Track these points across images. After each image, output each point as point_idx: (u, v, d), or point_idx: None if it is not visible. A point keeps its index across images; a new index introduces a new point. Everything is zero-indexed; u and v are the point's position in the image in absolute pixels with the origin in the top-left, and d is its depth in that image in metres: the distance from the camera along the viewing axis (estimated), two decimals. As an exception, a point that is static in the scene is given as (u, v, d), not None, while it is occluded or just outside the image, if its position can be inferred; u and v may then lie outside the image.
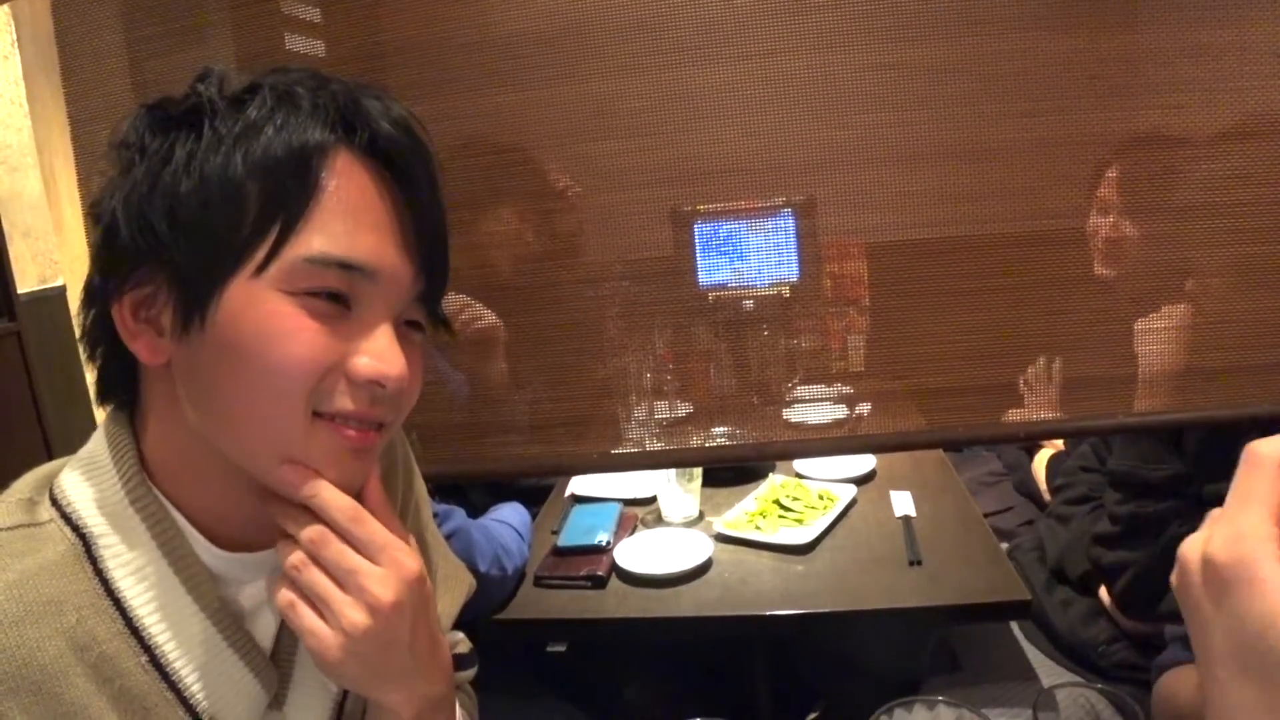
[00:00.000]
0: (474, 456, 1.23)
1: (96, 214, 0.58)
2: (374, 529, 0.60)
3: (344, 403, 0.58)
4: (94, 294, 0.60)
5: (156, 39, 1.12)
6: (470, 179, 1.14)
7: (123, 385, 0.62)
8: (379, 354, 0.58)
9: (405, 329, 0.62)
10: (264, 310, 0.55)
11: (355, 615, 0.58)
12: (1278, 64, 0.96)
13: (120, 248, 0.56)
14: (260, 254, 0.55)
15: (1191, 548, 0.47)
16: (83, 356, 0.63)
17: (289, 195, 0.55)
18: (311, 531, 0.59)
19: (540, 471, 1.48)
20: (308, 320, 0.56)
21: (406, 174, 0.60)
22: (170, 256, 0.55)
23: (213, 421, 0.58)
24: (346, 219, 0.57)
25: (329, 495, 0.59)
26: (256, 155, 0.55)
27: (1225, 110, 1.00)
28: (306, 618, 0.59)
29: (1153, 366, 1.09)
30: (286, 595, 0.60)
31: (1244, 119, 1.01)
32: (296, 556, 0.59)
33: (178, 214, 0.55)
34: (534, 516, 1.56)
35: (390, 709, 0.63)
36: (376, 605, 0.58)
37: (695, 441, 1.20)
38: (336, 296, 0.57)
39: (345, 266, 0.56)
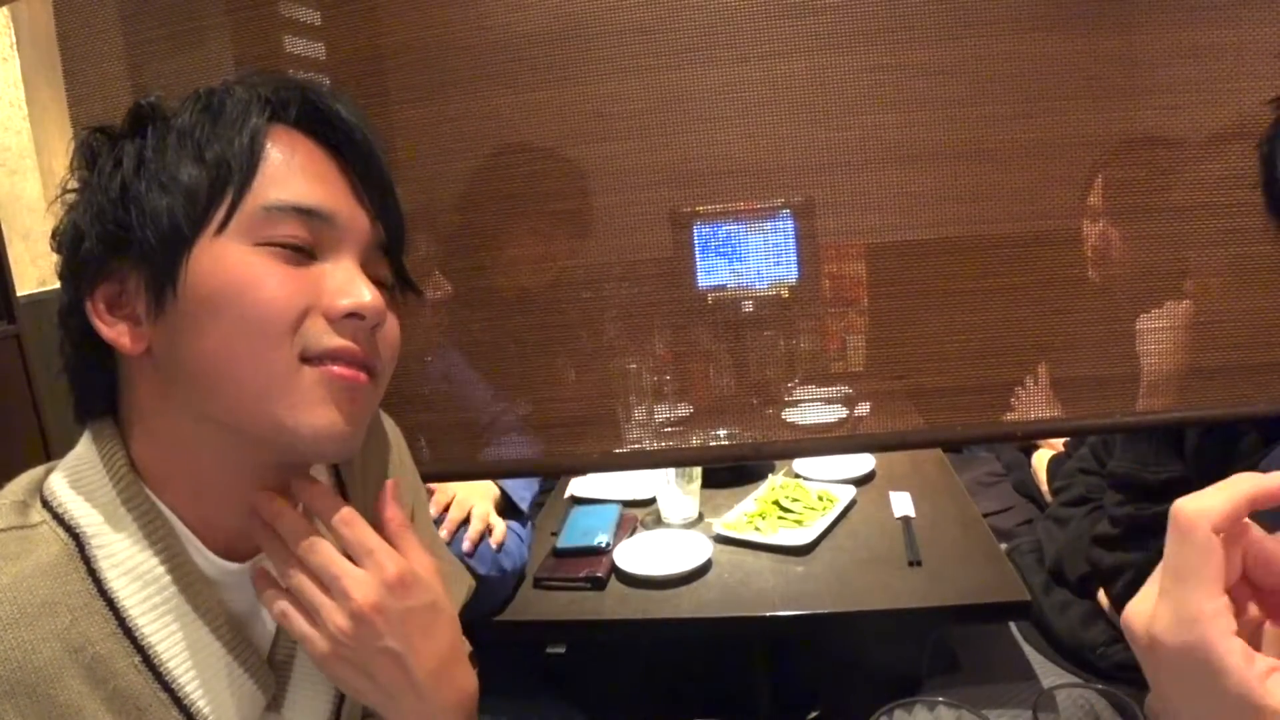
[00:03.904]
0: (478, 456, 1.23)
1: (59, 238, 0.61)
2: (363, 532, 0.61)
3: (329, 340, 0.59)
4: (68, 312, 0.61)
5: (159, 41, 1.12)
6: (471, 181, 1.14)
7: (102, 400, 0.63)
8: (353, 289, 0.60)
9: (377, 285, 0.64)
10: (230, 263, 0.57)
11: (338, 618, 0.59)
12: (1275, 64, 0.97)
13: (85, 252, 0.58)
14: (219, 214, 0.57)
15: (1138, 618, 0.44)
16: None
17: (239, 167, 0.58)
18: (300, 537, 0.60)
19: (542, 471, 1.49)
20: (275, 265, 0.58)
21: (345, 136, 0.63)
22: (133, 239, 0.57)
23: (203, 388, 0.58)
24: (295, 172, 0.60)
25: (322, 501, 0.62)
26: (199, 148, 0.58)
27: (1223, 111, 1.01)
28: (298, 622, 0.60)
29: (1150, 366, 1.10)
30: (279, 605, 0.61)
31: (1241, 119, 1.01)
32: (285, 560, 0.60)
33: (135, 200, 0.57)
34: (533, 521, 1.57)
35: None
36: (355, 608, 0.59)
37: (695, 442, 1.20)
38: (300, 248, 0.59)
39: (302, 211, 0.59)
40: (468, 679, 0.67)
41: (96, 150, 0.60)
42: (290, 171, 0.60)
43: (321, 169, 0.62)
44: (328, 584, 0.59)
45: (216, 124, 0.59)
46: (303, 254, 0.59)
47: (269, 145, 0.60)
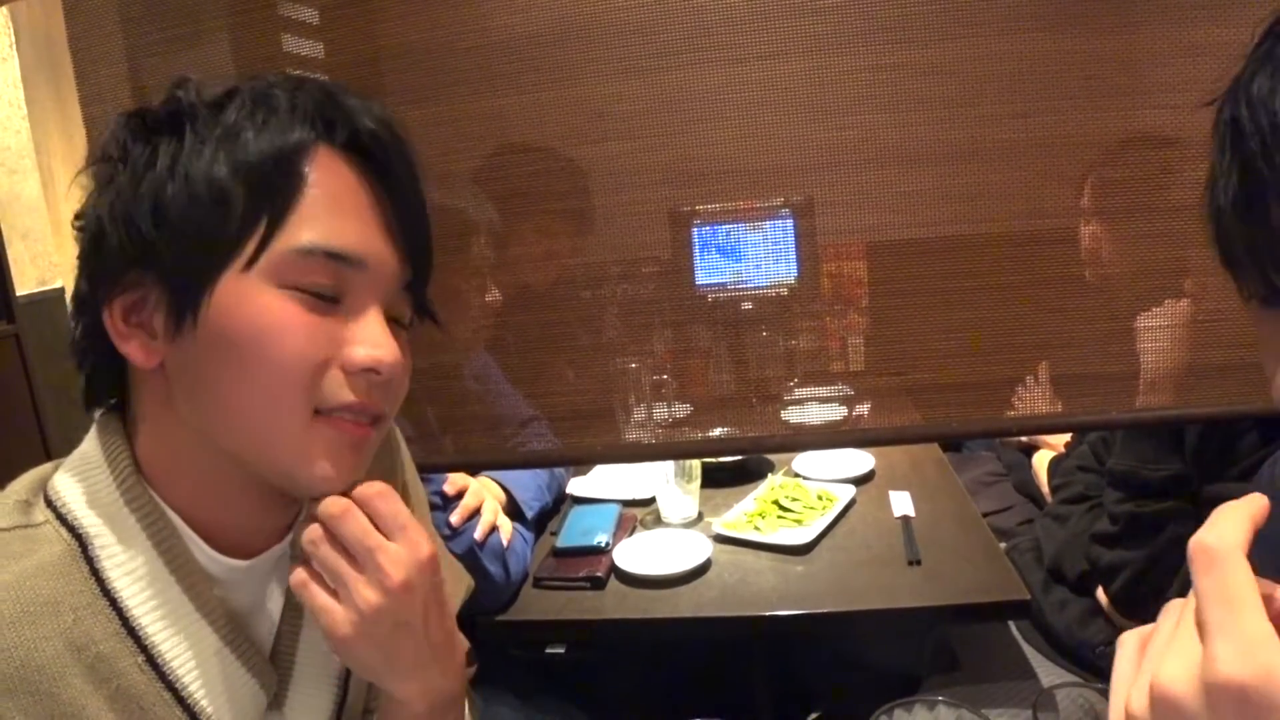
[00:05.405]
0: (484, 448, 1.24)
1: (82, 225, 0.59)
2: (399, 507, 0.61)
3: (343, 395, 0.58)
4: (83, 303, 0.60)
5: (168, 42, 1.13)
6: (473, 181, 1.14)
7: (112, 391, 0.63)
8: (372, 341, 0.59)
9: (393, 325, 0.63)
10: (256, 305, 0.56)
11: (368, 593, 0.58)
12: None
13: (108, 253, 0.57)
14: (249, 249, 0.56)
15: (1180, 675, 0.38)
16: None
17: (274, 192, 0.56)
18: (336, 504, 0.59)
19: (546, 462, 1.50)
20: (300, 313, 0.57)
21: (386, 166, 0.61)
22: (158, 257, 0.56)
23: (211, 419, 0.58)
24: (332, 210, 0.58)
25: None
26: (239, 156, 0.56)
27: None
28: (319, 595, 0.59)
29: (1149, 364, 1.10)
30: (300, 574, 0.60)
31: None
32: (315, 531, 0.59)
33: (164, 215, 0.55)
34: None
35: (404, 701, 0.63)
36: (389, 584, 0.58)
37: (697, 435, 1.21)
38: (325, 295, 0.58)
39: (334, 256, 0.57)
40: (461, 645, 0.68)
41: (130, 140, 0.58)
42: (327, 207, 0.58)
43: (358, 202, 0.59)
44: (361, 556, 0.59)
45: (259, 137, 0.56)
46: (327, 299, 0.58)
47: (309, 173, 0.57)
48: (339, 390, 0.58)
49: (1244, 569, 0.38)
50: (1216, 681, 0.36)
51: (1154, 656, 0.41)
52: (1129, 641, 0.45)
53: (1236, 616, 0.37)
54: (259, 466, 0.59)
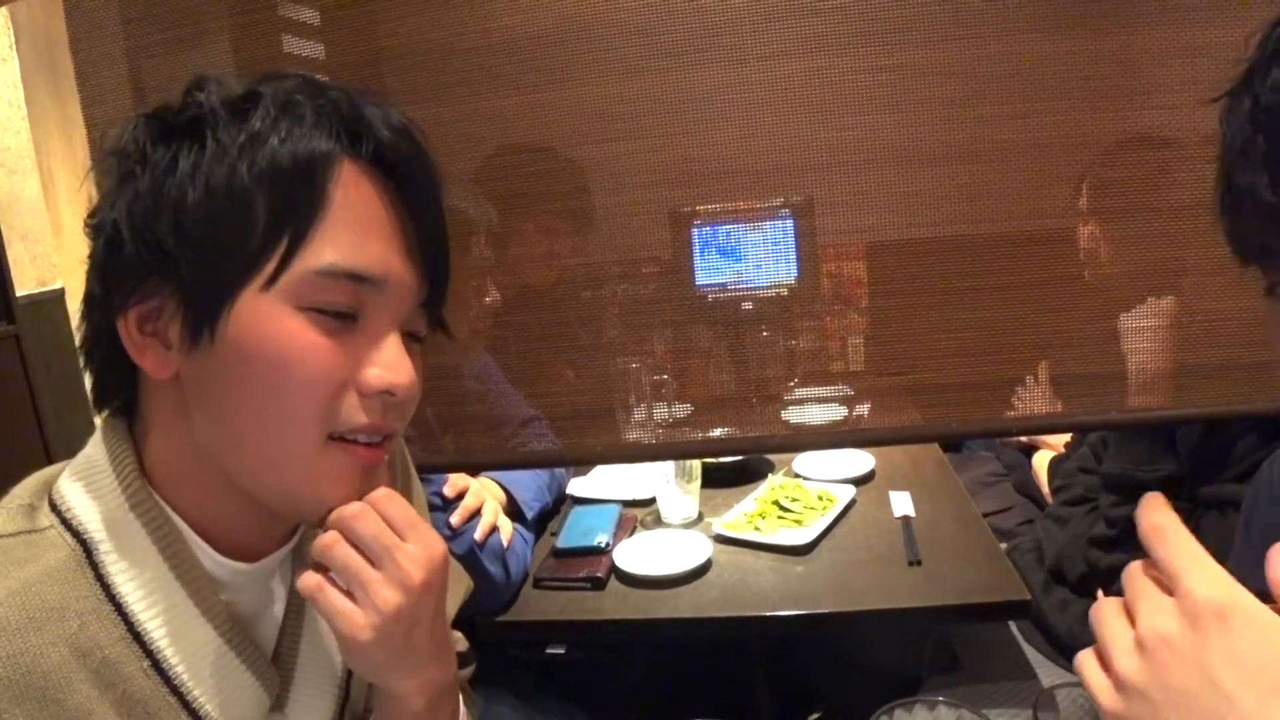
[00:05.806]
0: (484, 448, 1.25)
1: (96, 225, 0.58)
2: (406, 507, 0.60)
3: (357, 417, 0.58)
4: (94, 306, 0.59)
5: (170, 43, 1.13)
6: (474, 181, 1.14)
7: (122, 392, 0.62)
8: (389, 364, 0.58)
9: (406, 339, 0.62)
10: (275, 326, 0.55)
11: (388, 593, 0.57)
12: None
13: (124, 261, 0.56)
14: (270, 267, 0.55)
15: (1159, 621, 0.43)
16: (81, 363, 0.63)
17: (297, 207, 0.55)
18: (350, 506, 0.59)
19: (546, 462, 1.50)
20: (319, 337, 0.56)
21: (409, 181, 0.60)
22: (177, 269, 0.55)
23: (222, 436, 0.58)
24: (354, 229, 0.57)
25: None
26: (263, 166, 0.55)
27: (1220, 109, 1.01)
28: (336, 598, 0.58)
29: (1147, 364, 1.10)
30: (313, 577, 0.59)
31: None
32: (328, 535, 0.59)
33: (184, 226, 0.54)
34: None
35: (402, 697, 0.62)
36: (409, 583, 0.58)
37: (697, 435, 1.21)
38: (344, 313, 0.57)
39: (354, 277, 0.56)
40: (453, 639, 0.69)
41: (149, 143, 0.56)
42: (349, 225, 0.56)
43: (380, 220, 0.58)
44: (379, 556, 0.58)
45: (283, 147, 0.55)
46: (344, 317, 0.57)
47: (333, 188, 0.56)
48: (354, 413, 0.58)
49: (1191, 535, 0.45)
50: (1196, 605, 0.41)
51: (1118, 631, 0.46)
52: (1084, 656, 0.49)
53: (1198, 560, 0.43)
54: (266, 492, 0.58)
